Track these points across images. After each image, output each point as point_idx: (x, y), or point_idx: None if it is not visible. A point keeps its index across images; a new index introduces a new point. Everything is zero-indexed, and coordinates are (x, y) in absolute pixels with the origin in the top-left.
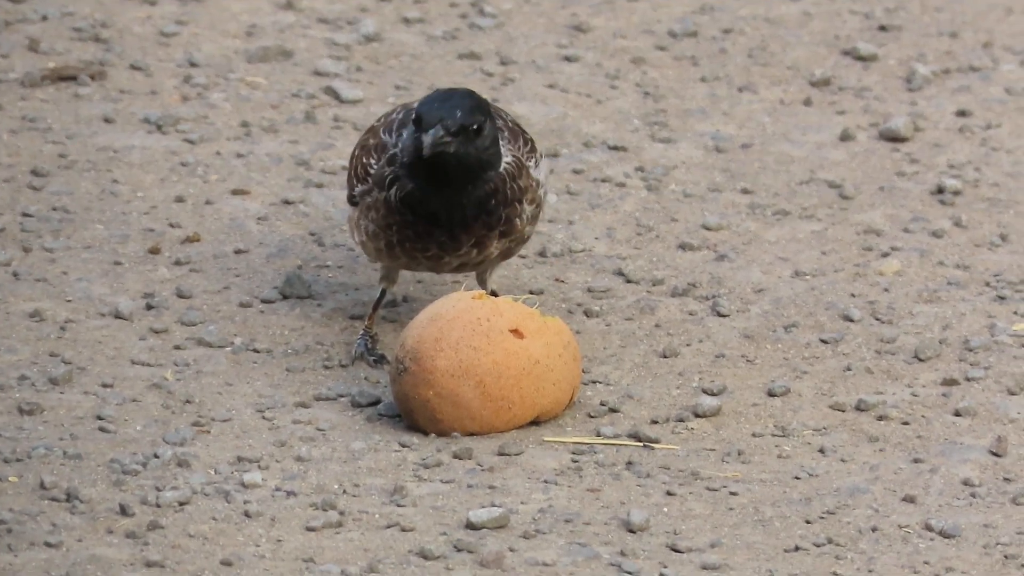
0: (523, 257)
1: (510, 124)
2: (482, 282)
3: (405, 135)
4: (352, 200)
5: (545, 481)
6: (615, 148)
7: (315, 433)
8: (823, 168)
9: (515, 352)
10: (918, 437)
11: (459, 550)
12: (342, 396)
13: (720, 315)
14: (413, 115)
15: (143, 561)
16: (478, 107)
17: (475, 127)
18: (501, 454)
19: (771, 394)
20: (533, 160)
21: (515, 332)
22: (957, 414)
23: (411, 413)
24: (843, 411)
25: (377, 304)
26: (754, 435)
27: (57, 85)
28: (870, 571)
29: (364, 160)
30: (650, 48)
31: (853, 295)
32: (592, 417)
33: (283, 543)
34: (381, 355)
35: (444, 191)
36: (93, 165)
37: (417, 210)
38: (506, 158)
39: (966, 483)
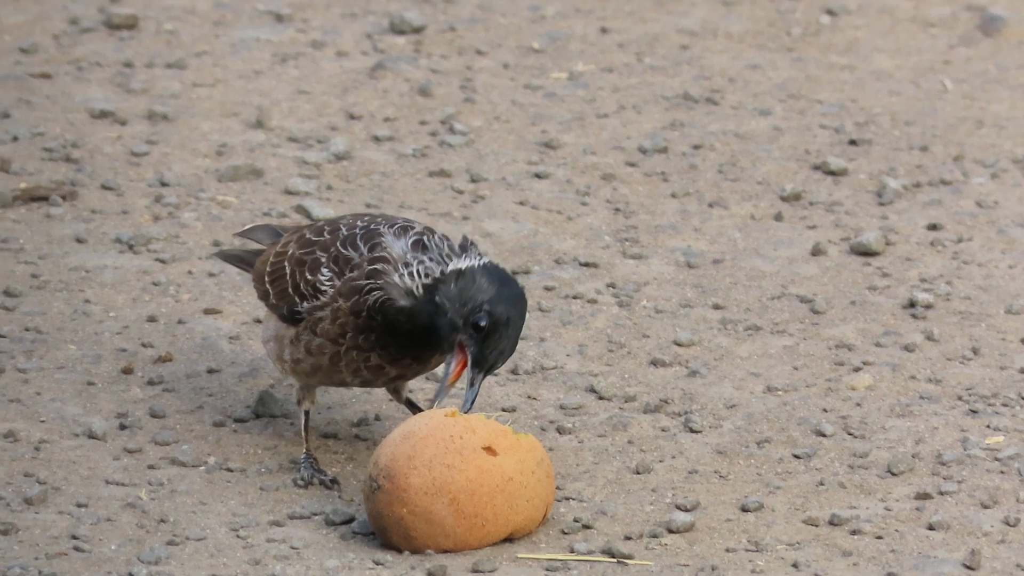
0: (496, 375)
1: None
2: (396, 394)
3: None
4: (294, 317)
5: None
6: (586, 264)
7: (289, 551)
8: (794, 283)
9: (488, 469)
10: (892, 551)
11: None
12: (316, 514)
13: (693, 431)
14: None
15: None
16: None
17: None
18: (475, 571)
19: (744, 509)
20: None
21: (488, 449)
22: (931, 528)
23: (385, 531)
24: (816, 526)
25: (306, 426)
26: (728, 550)
27: (29, 206)
28: None
29: (309, 277)
30: (620, 164)
31: (825, 410)
32: (566, 534)
33: None
34: (332, 478)
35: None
36: (65, 285)
37: (389, 322)
38: None
39: None
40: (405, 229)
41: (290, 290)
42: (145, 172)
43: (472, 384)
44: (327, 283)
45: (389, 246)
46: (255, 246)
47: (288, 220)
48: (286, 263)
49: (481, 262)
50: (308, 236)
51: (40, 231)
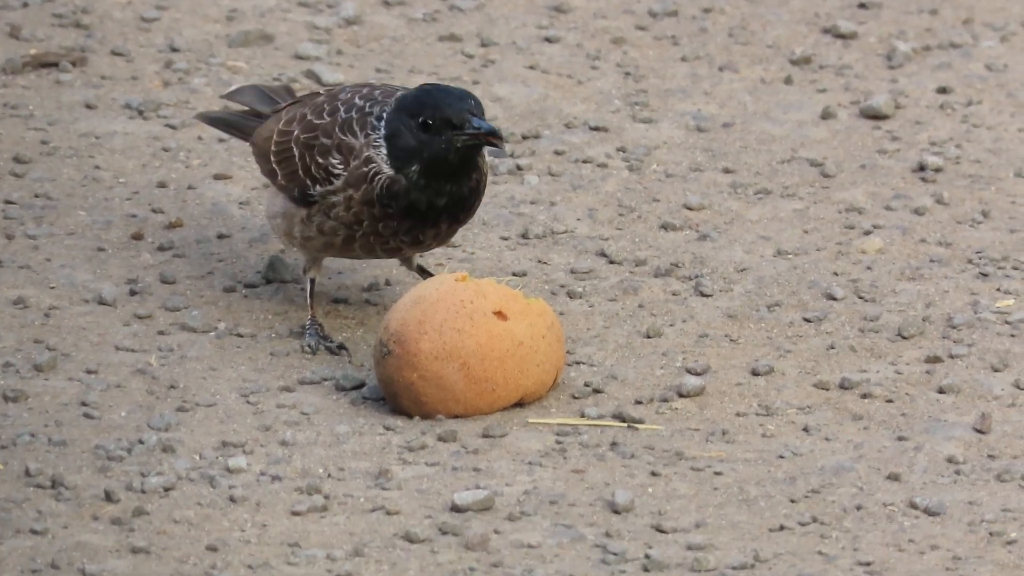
0: (505, 239)
1: None
2: (407, 260)
3: (413, 135)
4: (306, 200)
5: (530, 463)
6: (596, 129)
7: (299, 417)
8: (804, 147)
9: (499, 334)
10: (902, 415)
11: (444, 533)
12: (326, 380)
13: (703, 295)
14: (426, 117)
15: (128, 547)
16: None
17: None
18: (485, 436)
19: (755, 373)
20: None
21: (499, 314)
22: (941, 391)
23: (395, 396)
24: (827, 390)
25: (312, 293)
26: (738, 415)
27: (38, 72)
28: (855, 549)
29: (320, 160)
30: (630, 28)
31: (836, 273)
32: (576, 398)
33: (268, 528)
34: (339, 343)
35: (447, 186)
36: (75, 151)
37: (399, 204)
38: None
39: (950, 460)
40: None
41: (301, 173)
42: (155, 38)
43: (478, 127)
44: (339, 167)
45: (380, 127)
46: (242, 108)
47: (298, 85)
48: (293, 144)
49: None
50: (310, 118)
51: (50, 97)
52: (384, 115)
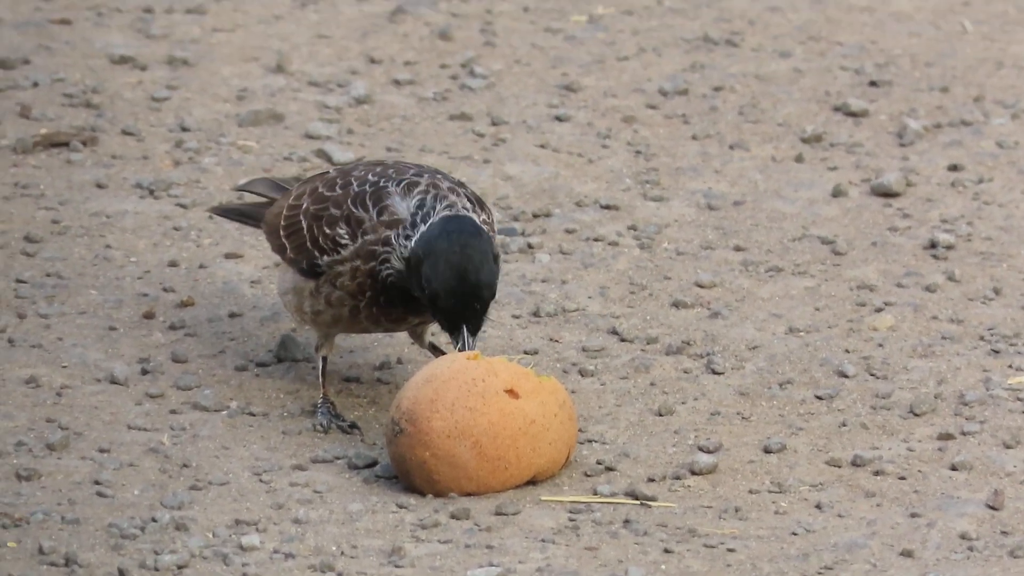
0: (517, 317)
1: (471, 196)
2: (419, 338)
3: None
4: (314, 271)
5: (543, 540)
6: (607, 207)
7: (312, 495)
8: (815, 224)
9: (511, 412)
10: (915, 492)
11: None
12: (339, 458)
13: (715, 372)
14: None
15: None
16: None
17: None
18: (498, 514)
19: (767, 451)
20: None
21: (510, 392)
22: (953, 468)
23: (408, 474)
24: (839, 467)
25: (324, 372)
26: (751, 492)
27: (49, 151)
28: None
29: (328, 231)
30: (641, 107)
31: (847, 351)
32: (589, 476)
33: None
34: (351, 423)
35: None
36: (86, 231)
37: (398, 293)
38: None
39: (963, 537)
40: (412, 186)
41: (308, 244)
42: (165, 117)
43: (459, 348)
44: (346, 237)
45: (395, 208)
46: (254, 200)
47: (308, 164)
48: (302, 217)
49: (421, 231)
50: (321, 190)
51: (61, 177)
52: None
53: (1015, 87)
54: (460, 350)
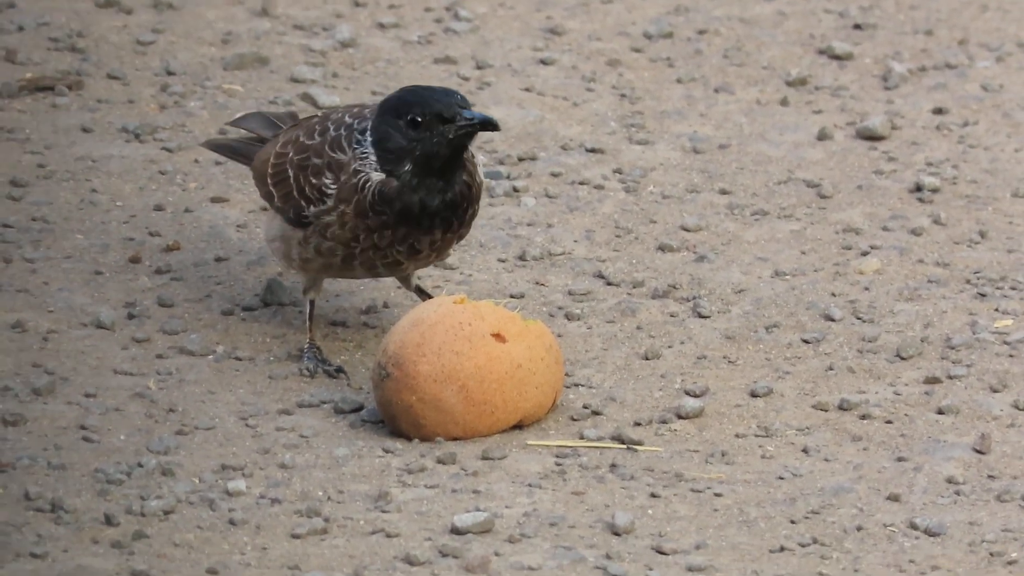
0: (503, 261)
1: None
2: (406, 281)
3: (403, 134)
4: (302, 221)
5: (529, 485)
6: (593, 151)
7: (299, 440)
8: (801, 168)
9: (497, 356)
10: (901, 436)
11: (444, 555)
12: (325, 403)
13: (701, 316)
14: (415, 115)
15: (129, 571)
16: None
17: None
18: (485, 458)
19: (754, 395)
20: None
21: (497, 336)
22: (940, 412)
23: (394, 419)
24: (826, 411)
25: (311, 315)
26: (737, 436)
27: (34, 95)
28: (856, 571)
29: (313, 181)
30: (626, 50)
31: (833, 294)
32: (575, 420)
33: (268, 551)
34: (338, 367)
35: (438, 183)
36: (72, 175)
37: (393, 208)
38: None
39: (950, 481)
40: None
41: (295, 194)
42: (151, 61)
43: (470, 118)
44: (331, 186)
45: (367, 137)
46: (248, 135)
47: (294, 108)
48: (288, 166)
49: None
50: (303, 139)
51: (46, 121)
52: (368, 125)
53: (1000, 30)
54: (471, 118)
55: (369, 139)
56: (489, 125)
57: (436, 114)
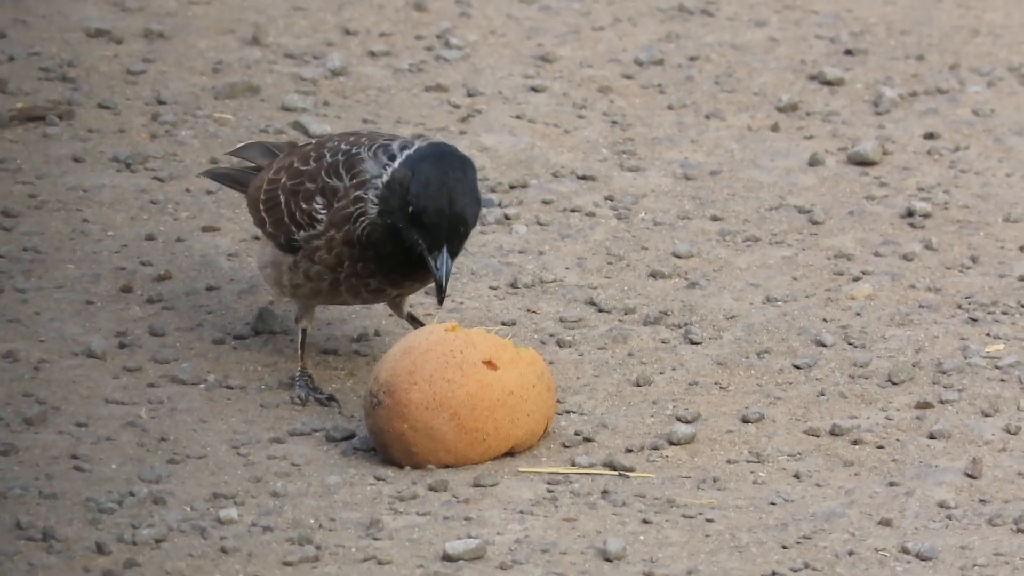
0: (494, 288)
1: None
2: (397, 308)
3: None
4: (292, 246)
5: (521, 512)
6: (584, 178)
7: (290, 468)
8: (792, 193)
9: (489, 384)
10: (893, 460)
11: None
12: (316, 431)
13: (692, 343)
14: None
15: None
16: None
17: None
18: (476, 485)
19: (745, 420)
20: None
21: (488, 363)
22: (932, 437)
23: (386, 446)
24: (817, 436)
25: (303, 344)
26: (729, 462)
27: (25, 125)
28: None
29: (304, 206)
30: (616, 77)
31: (825, 320)
32: (567, 447)
33: None
34: (329, 395)
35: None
36: (63, 205)
37: (377, 250)
38: None
39: (942, 505)
40: (384, 148)
41: (286, 219)
42: (142, 90)
43: (438, 268)
44: (322, 212)
45: (367, 170)
46: (247, 164)
47: (285, 137)
48: (280, 192)
49: (405, 154)
50: (297, 165)
51: (37, 151)
52: (406, 156)
53: (991, 54)
54: (438, 269)
55: (389, 171)
56: (439, 288)
57: (432, 226)
